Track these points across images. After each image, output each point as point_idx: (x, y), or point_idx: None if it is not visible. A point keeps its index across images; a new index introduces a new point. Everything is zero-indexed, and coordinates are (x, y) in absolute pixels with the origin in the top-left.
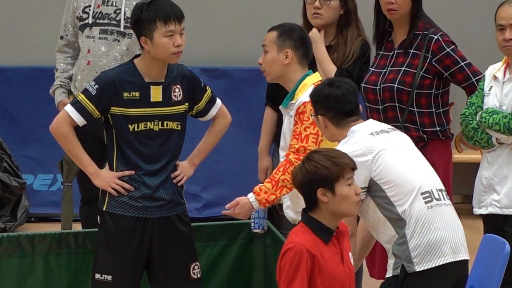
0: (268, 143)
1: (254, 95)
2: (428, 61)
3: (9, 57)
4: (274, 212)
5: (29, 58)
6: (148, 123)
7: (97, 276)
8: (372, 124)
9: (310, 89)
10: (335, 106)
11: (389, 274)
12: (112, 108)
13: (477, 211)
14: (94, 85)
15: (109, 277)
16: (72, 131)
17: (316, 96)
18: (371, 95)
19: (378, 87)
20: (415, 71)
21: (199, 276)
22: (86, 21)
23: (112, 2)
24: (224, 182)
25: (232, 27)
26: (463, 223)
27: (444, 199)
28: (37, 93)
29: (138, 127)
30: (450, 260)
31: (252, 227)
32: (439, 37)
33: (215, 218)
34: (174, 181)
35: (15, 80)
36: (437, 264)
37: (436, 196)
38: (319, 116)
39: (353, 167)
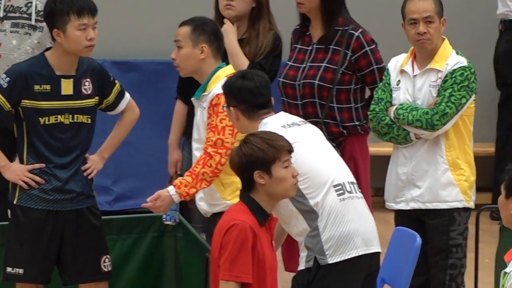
0: (178, 137)
1: (165, 88)
2: (348, 58)
3: None
4: (184, 205)
5: None
6: (59, 116)
7: (9, 269)
8: (283, 117)
9: (223, 81)
10: (248, 98)
11: (301, 266)
12: (23, 100)
13: (394, 206)
14: (5, 78)
15: (21, 270)
16: None
17: (229, 88)
18: (290, 90)
19: (297, 82)
20: (336, 67)
21: (110, 269)
22: None
23: None
24: (135, 175)
25: (143, 20)
26: (375, 216)
27: (356, 192)
28: None
29: (48, 120)
30: (363, 252)
31: (164, 219)
32: (359, 35)
33: (126, 211)
34: (84, 174)
35: None
36: (349, 256)
37: (348, 189)
38: (231, 108)
39: (290, 149)
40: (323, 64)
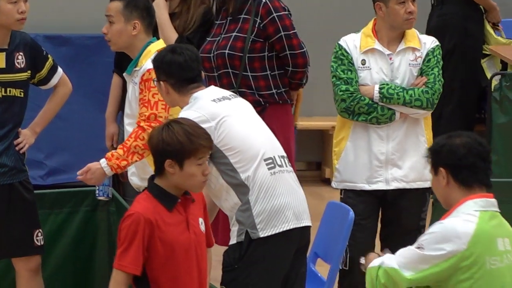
0: (115, 110)
1: (98, 62)
2: (257, 25)
3: None
4: (116, 179)
5: None
6: None
7: None
8: (214, 91)
9: (153, 56)
10: (177, 72)
11: (233, 241)
12: None
13: (366, 186)
14: None
15: None
16: None
17: (158, 62)
18: (207, 63)
19: (211, 54)
20: (245, 35)
21: (42, 243)
22: None
23: None
24: (68, 149)
25: None
26: (307, 190)
27: (286, 166)
28: None
29: None
30: (294, 226)
31: (97, 195)
32: (267, 1)
33: (59, 185)
34: (17, 148)
35: None
36: (281, 230)
37: (279, 163)
38: (161, 82)
39: (209, 148)
40: (233, 34)
